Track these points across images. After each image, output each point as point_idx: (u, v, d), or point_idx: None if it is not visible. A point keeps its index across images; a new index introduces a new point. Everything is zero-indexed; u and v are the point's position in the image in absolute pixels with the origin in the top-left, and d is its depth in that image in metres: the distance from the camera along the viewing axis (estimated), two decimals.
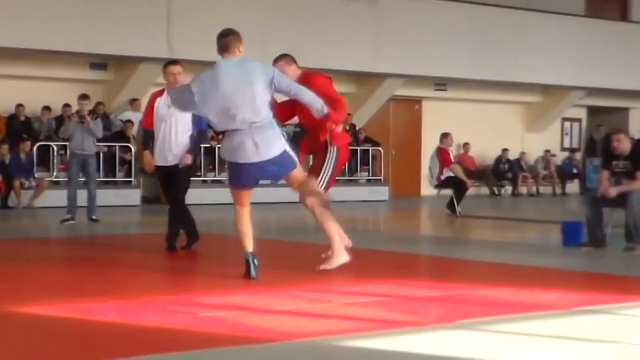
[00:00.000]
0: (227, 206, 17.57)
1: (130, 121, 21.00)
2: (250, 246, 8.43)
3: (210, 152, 21.48)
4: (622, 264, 10.65)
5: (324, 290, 7.97)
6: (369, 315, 6.81)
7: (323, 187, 8.92)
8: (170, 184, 10.84)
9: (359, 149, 23.68)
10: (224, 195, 21.00)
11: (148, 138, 10.74)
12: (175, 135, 10.52)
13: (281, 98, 8.98)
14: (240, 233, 8.53)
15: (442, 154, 18.15)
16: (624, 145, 11.57)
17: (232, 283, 8.28)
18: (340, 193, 22.47)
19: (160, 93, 10.65)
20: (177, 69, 10.65)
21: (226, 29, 8.47)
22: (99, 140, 16.16)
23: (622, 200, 11.33)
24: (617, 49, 27.55)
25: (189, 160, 10.69)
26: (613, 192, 11.44)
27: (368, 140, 24.20)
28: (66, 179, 16.83)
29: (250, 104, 8.18)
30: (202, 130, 10.97)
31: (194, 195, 20.74)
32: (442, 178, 18.07)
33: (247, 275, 8.31)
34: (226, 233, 12.60)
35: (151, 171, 10.79)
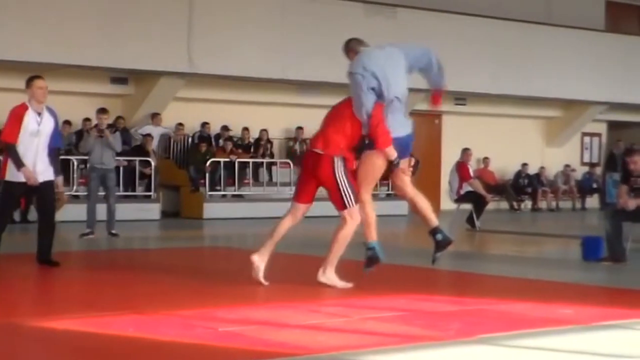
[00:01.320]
0: (246, 220, 17.55)
1: (149, 135, 21.07)
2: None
3: (230, 165, 21.50)
4: None
5: (342, 304, 7.97)
6: (387, 330, 6.80)
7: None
8: (42, 199, 10.87)
9: None
10: (244, 209, 21.25)
11: (13, 152, 10.49)
12: (43, 151, 10.54)
13: None
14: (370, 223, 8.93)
15: (461, 168, 18.13)
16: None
17: (250, 297, 8.29)
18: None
19: (25, 107, 10.52)
20: (44, 82, 10.58)
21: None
22: (119, 154, 16.20)
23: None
24: (637, 63, 27.48)
25: (60, 186, 10.93)
26: (632, 204, 11.43)
27: None
28: (86, 193, 16.86)
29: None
30: (57, 148, 10.95)
31: (214, 209, 21.03)
32: (462, 192, 18.04)
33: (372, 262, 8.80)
34: (246, 247, 12.58)
35: (35, 184, 10.62)
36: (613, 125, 30.17)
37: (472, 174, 18.46)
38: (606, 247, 11.72)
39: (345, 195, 8.80)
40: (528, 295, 8.58)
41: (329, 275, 8.91)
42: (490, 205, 20.35)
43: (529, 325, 7.03)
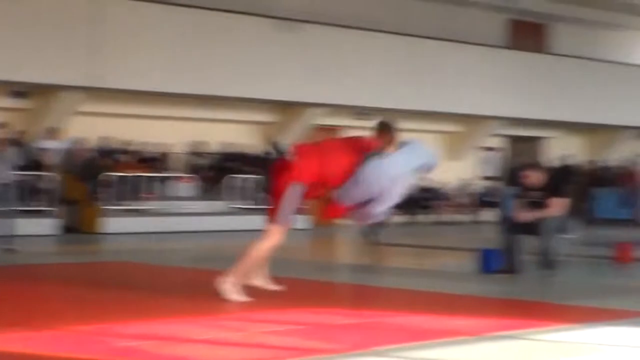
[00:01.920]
0: (149, 235, 17.42)
1: (48, 150, 20.81)
2: None
3: (132, 180, 21.34)
4: (536, 289, 10.86)
5: (241, 318, 7.99)
6: (285, 344, 6.85)
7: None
8: None
9: None
10: (146, 223, 21.06)
11: None
12: None
13: None
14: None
15: None
16: (532, 179, 11.89)
17: (149, 312, 8.25)
18: (259, 221, 22.56)
19: None
20: None
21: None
22: (17, 168, 15.99)
23: (536, 228, 11.58)
24: (536, 80, 28.06)
25: None
26: (526, 217, 11.70)
27: None
28: None
29: None
30: None
31: (115, 224, 20.82)
32: None
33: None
34: (146, 261, 12.53)
35: None
36: (512, 140, 30.70)
37: None
38: (503, 259, 11.96)
39: (283, 211, 8.86)
40: (425, 307, 8.71)
41: (226, 286, 8.93)
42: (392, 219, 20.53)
43: (425, 337, 7.15)
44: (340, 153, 9.05)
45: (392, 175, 8.92)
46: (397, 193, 9.02)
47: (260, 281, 9.34)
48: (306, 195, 9.05)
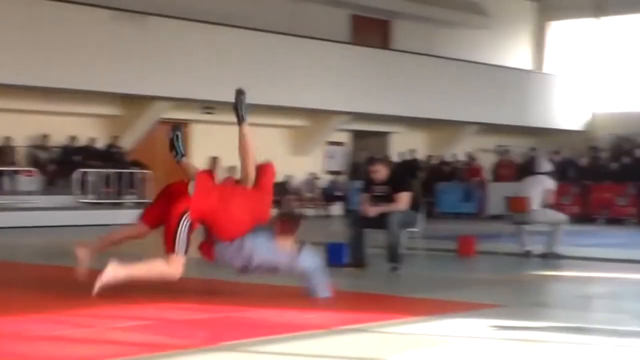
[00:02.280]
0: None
1: None
2: None
3: None
4: (382, 283, 11.02)
5: (88, 314, 7.85)
6: (133, 339, 6.77)
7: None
8: None
9: (124, 171, 23.48)
10: None
11: None
12: None
13: None
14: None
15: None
16: (380, 174, 12.02)
17: None
18: (106, 216, 22.24)
19: None
20: None
21: None
22: None
23: (382, 222, 11.72)
24: (379, 76, 28.41)
25: None
26: (372, 211, 11.83)
27: (135, 163, 23.99)
28: None
29: None
30: None
31: None
32: None
33: None
34: None
35: None
36: (356, 135, 31.06)
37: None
38: (349, 252, 12.08)
39: (180, 243, 8.64)
40: (274, 301, 8.72)
41: (109, 271, 8.60)
42: None
43: (274, 331, 7.17)
44: (239, 206, 8.88)
45: (267, 260, 8.80)
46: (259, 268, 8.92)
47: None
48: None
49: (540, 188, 14.05)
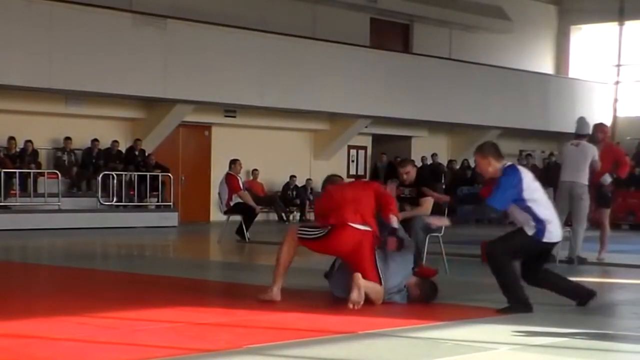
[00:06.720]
0: (12, 232, 17.13)
1: None
2: None
3: None
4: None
5: (112, 317, 7.87)
6: (157, 342, 6.78)
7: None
8: None
9: (148, 174, 23.53)
10: (10, 220, 20.60)
11: None
12: None
13: None
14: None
15: (230, 180, 18.20)
16: (411, 175, 11.98)
17: (18, 311, 8.07)
18: (128, 219, 22.31)
19: None
20: None
21: None
22: None
23: (406, 226, 11.64)
24: (400, 79, 28.33)
25: None
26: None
27: (157, 166, 24.04)
28: None
29: None
30: None
31: None
32: (231, 204, 18.13)
33: None
34: (12, 260, 12.23)
35: None
36: (377, 139, 31.03)
37: (241, 185, 18.58)
38: None
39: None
40: (299, 305, 8.71)
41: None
42: (260, 217, 20.58)
43: (299, 335, 7.16)
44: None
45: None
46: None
47: None
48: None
49: (583, 156, 13.82)
